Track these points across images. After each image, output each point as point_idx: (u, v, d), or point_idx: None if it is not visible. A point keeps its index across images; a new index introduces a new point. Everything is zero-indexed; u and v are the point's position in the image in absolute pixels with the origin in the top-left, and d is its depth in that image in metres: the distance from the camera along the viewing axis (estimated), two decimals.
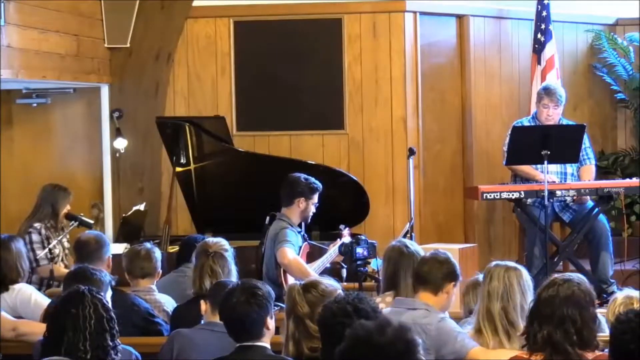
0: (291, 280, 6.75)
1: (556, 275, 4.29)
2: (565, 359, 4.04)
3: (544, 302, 4.12)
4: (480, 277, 5.34)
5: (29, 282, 7.24)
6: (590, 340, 4.07)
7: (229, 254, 5.86)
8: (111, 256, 6.24)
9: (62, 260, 8.08)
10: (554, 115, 8.60)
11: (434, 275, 4.96)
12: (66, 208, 8.16)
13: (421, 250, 5.64)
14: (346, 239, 7.03)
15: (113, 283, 5.19)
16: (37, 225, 8.00)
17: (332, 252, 7.12)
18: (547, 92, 8.67)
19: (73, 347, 4.08)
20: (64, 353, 4.06)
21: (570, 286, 4.10)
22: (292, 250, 6.90)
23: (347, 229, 7.42)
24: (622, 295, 4.84)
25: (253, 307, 4.32)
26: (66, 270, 6.86)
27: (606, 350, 4.05)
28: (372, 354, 2.96)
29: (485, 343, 4.70)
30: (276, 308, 4.56)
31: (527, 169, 8.55)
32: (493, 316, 4.66)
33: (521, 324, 4.54)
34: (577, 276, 4.21)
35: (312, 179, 7.23)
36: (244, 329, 4.33)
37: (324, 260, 7.15)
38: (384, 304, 5.34)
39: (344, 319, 3.88)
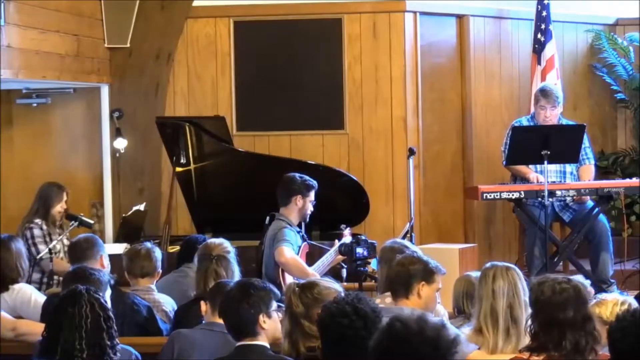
0: (289, 279, 6.75)
1: (552, 276, 4.30)
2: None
3: (535, 302, 4.20)
4: (472, 274, 5.35)
5: (29, 281, 7.24)
6: (584, 345, 4.08)
7: (232, 255, 5.86)
8: (104, 256, 6.20)
9: (62, 259, 8.08)
10: (551, 116, 8.58)
11: (400, 278, 4.99)
12: (60, 204, 8.15)
13: (418, 250, 5.64)
14: (347, 238, 7.02)
15: (112, 282, 5.18)
16: (37, 220, 8.02)
17: (332, 252, 7.12)
18: (543, 93, 8.65)
19: (69, 346, 4.07)
20: (60, 352, 4.06)
21: (556, 290, 4.12)
22: (289, 249, 6.90)
23: (348, 228, 7.43)
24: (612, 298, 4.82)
25: (243, 305, 4.37)
26: (67, 264, 6.86)
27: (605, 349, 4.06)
28: (423, 346, 2.99)
29: (485, 343, 4.71)
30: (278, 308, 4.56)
31: (519, 167, 8.56)
32: (497, 314, 4.68)
33: (524, 321, 4.57)
34: (567, 277, 4.21)
35: (307, 177, 7.23)
36: (238, 327, 4.41)
37: (324, 261, 7.14)
38: (384, 304, 5.33)
39: (343, 320, 3.88)
